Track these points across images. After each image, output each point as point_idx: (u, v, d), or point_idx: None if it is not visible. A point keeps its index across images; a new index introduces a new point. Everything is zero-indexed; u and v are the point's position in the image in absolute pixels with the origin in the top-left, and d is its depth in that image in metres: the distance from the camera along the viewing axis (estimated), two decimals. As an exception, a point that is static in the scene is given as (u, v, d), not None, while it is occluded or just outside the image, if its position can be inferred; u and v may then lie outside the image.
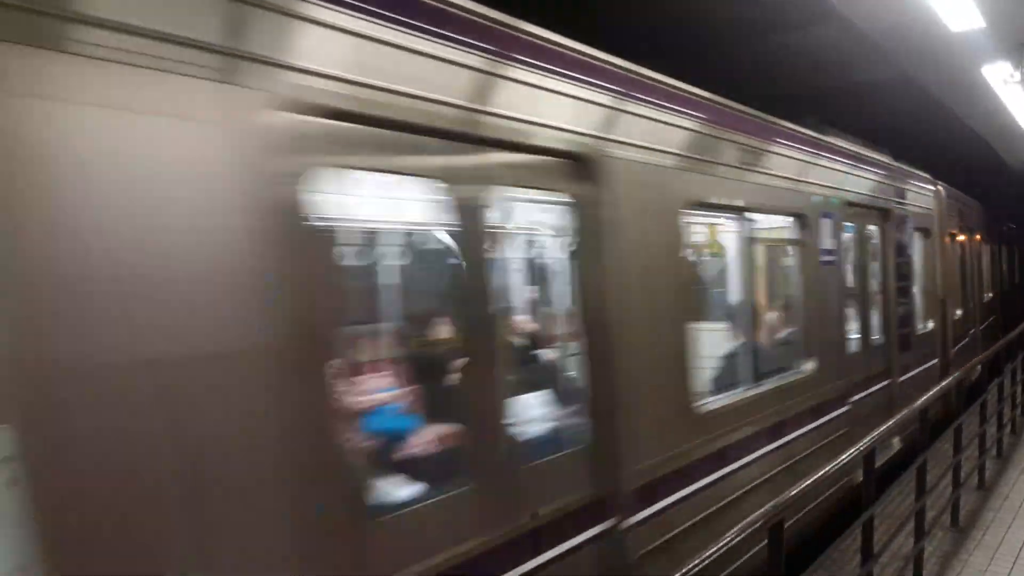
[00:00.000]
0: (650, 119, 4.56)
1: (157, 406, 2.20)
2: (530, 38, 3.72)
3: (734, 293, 6.40)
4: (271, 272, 2.49)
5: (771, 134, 6.28)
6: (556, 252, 4.64)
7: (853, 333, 7.84)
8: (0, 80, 1.93)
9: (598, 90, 4.12)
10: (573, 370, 4.31)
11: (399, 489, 3.32)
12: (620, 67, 4.35)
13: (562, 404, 4.22)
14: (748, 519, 3.32)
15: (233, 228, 2.41)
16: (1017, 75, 9.17)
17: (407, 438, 3.64)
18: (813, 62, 9.54)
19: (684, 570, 2.88)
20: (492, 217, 3.47)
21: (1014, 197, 20.30)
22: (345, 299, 3.75)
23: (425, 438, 3.63)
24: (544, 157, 3.78)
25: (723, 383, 5.77)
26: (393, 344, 4.50)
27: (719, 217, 6.14)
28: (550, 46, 3.83)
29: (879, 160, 8.89)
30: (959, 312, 12.42)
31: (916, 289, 10.04)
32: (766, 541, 3.51)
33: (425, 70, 3.10)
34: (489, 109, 3.41)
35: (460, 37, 3.27)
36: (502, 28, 3.55)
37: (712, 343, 5.86)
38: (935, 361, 10.56)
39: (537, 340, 4.76)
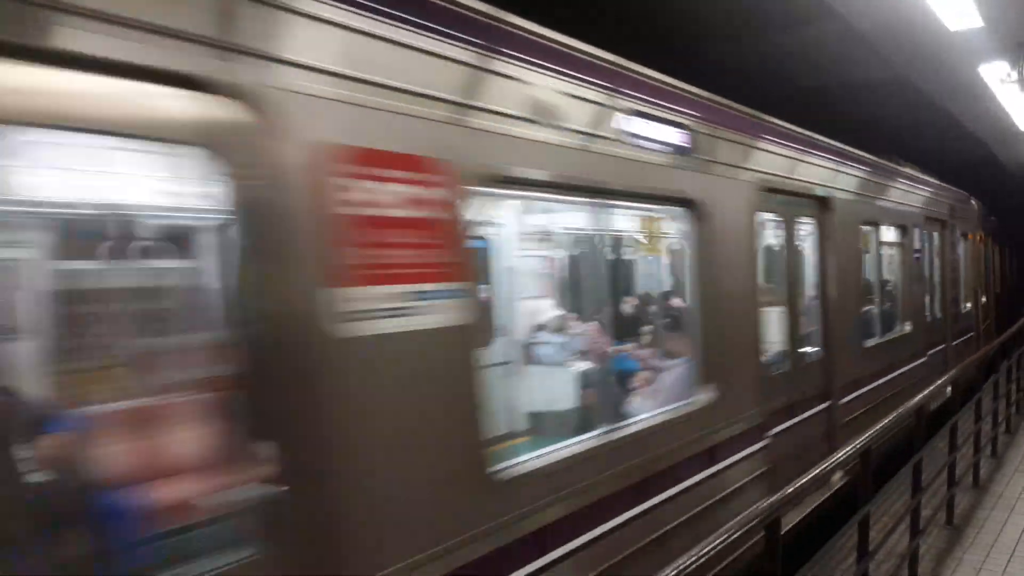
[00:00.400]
0: (850, 175, 8.15)
1: None
2: (817, 141, 7.32)
3: (872, 274, 9.57)
4: None
5: (891, 173, 9.71)
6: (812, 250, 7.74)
7: (927, 310, 11.11)
8: None
9: (833, 162, 7.69)
10: (814, 326, 7.47)
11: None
12: (840, 149, 7.86)
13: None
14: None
15: None
16: (1014, 74, 9.19)
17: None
18: (809, 61, 9.54)
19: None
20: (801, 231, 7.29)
21: (1008, 194, 20.36)
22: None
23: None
24: (810, 198, 7.21)
25: (879, 329, 9.34)
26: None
27: (870, 227, 9.14)
28: (821, 143, 7.41)
29: (942, 184, 12.24)
30: (984, 299, 15.66)
31: (961, 280, 13.30)
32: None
33: (810, 171, 7.13)
34: (807, 179, 7.06)
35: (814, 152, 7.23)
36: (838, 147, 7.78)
37: (871, 307, 9.36)
38: (971, 334, 13.82)
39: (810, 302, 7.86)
